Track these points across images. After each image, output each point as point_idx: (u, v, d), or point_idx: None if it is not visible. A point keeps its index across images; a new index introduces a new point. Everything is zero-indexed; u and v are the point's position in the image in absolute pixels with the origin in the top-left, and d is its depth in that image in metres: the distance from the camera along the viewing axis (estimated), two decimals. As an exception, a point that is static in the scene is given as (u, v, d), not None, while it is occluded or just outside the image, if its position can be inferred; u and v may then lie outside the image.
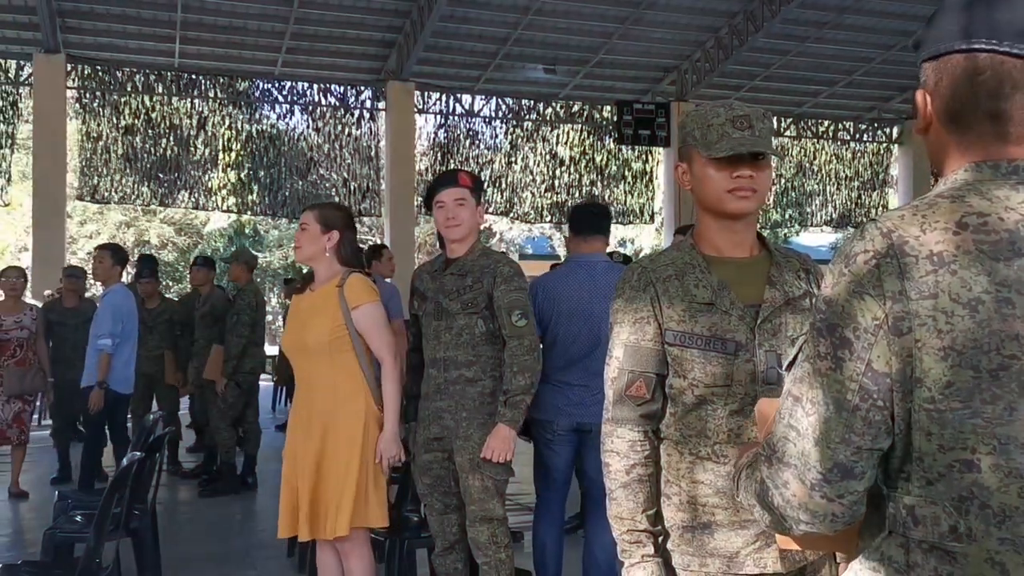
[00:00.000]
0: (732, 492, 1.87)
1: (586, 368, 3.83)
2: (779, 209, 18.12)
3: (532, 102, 16.24)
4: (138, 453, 3.82)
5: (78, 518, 4.27)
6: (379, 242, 12.88)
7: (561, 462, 3.99)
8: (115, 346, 6.32)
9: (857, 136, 18.03)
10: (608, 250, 4.54)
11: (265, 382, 8.85)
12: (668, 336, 1.90)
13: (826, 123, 17.66)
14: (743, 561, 1.85)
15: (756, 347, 1.87)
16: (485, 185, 13.17)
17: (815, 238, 26.05)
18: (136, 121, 14.30)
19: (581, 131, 16.55)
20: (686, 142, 1.97)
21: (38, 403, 7.28)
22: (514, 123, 16.29)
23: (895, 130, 17.95)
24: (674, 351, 1.90)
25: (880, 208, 18.53)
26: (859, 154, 18.12)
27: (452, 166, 15.54)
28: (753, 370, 1.86)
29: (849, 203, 18.16)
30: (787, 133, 17.50)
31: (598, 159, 16.62)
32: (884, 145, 18.23)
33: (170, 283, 19.84)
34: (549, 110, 16.36)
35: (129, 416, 8.03)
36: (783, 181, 17.74)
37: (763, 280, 1.95)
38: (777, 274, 1.96)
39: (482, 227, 3.73)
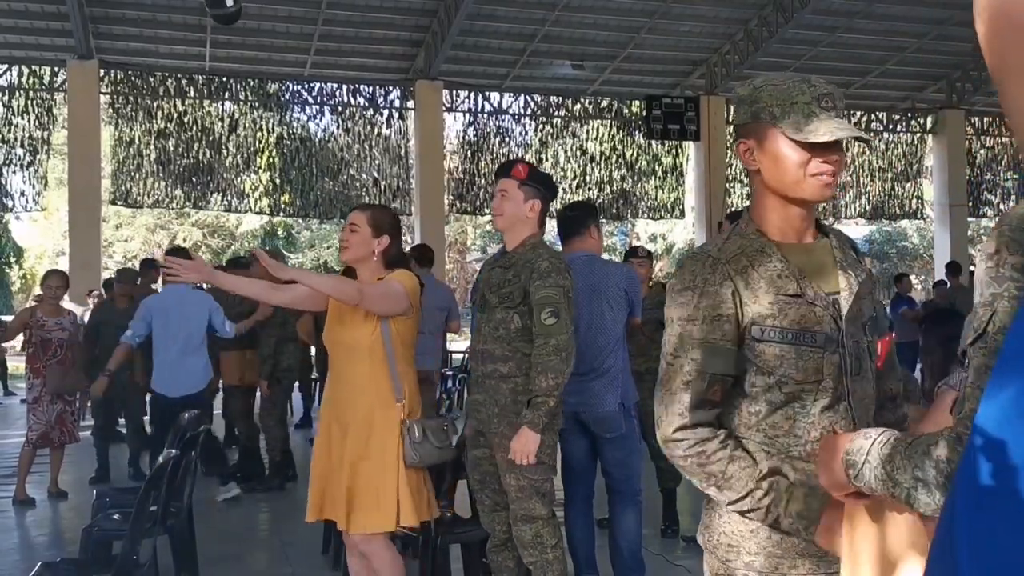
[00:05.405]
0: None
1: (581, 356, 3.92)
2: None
3: (561, 98, 16.22)
4: (173, 451, 3.86)
5: (116, 516, 4.32)
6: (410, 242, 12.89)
7: (576, 451, 4.11)
8: (136, 338, 6.33)
9: (891, 127, 17.77)
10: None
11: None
12: (755, 332, 1.77)
13: (859, 114, 17.31)
14: (833, 559, 1.76)
15: (843, 338, 1.80)
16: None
17: (849, 231, 25.73)
18: (168, 125, 14.45)
19: (610, 126, 16.49)
20: (759, 118, 1.79)
21: (77, 404, 7.37)
22: (543, 120, 16.29)
23: (929, 120, 17.66)
24: (761, 347, 1.78)
25: (914, 199, 18.28)
26: (892, 145, 17.87)
27: (482, 164, 15.58)
28: (839, 362, 1.79)
29: (883, 195, 17.93)
30: (819, 125, 17.29)
31: (628, 154, 16.55)
32: (918, 135, 17.95)
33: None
34: (578, 106, 16.33)
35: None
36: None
37: (832, 265, 1.85)
38: (842, 257, 1.87)
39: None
